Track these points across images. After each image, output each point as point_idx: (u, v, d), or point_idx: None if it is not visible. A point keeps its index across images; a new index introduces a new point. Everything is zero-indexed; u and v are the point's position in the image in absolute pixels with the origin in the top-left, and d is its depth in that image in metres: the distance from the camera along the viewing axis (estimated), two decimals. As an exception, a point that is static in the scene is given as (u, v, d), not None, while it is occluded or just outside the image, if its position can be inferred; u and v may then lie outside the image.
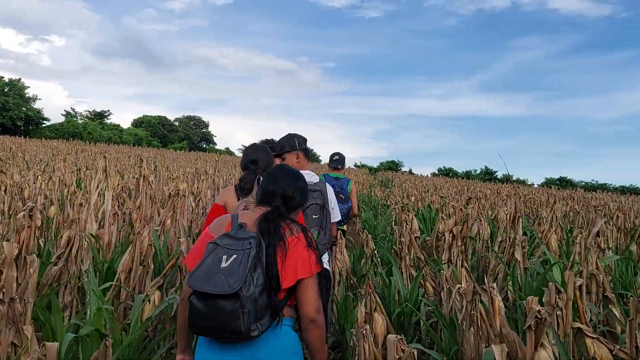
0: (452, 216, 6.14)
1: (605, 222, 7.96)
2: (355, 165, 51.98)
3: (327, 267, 3.73)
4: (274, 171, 2.42)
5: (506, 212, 6.17)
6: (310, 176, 3.70)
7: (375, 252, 5.77)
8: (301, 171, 2.98)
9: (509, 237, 6.10)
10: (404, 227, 6.19)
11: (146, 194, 7.22)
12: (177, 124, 72.68)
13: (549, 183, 46.65)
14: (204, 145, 73.58)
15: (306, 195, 2.40)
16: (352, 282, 5.08)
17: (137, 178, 8.62)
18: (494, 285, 2.49)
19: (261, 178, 3.02)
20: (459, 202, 10.99)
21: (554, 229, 6.12)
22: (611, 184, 47.43)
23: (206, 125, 78.15)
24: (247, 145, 3.57)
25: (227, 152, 69.23)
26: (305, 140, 3.92)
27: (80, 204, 5.45)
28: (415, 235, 6.27)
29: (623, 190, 43.39)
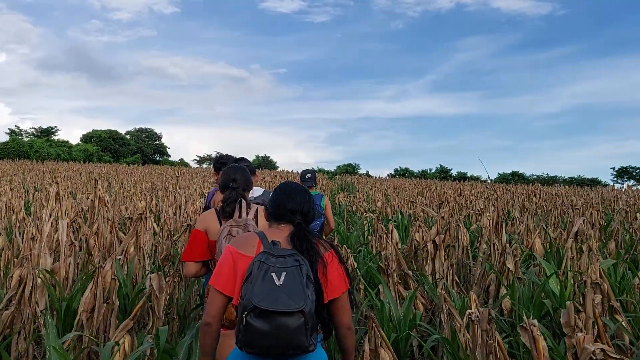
0: (433, 225, 5.86)
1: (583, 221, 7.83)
2: (313, 171, 51.55)
3: None
4: (284, 189, 2.41)
5: (489, 217, 5.93)
6: (252, 192, 3.72)
7: (357, 269, 5.41)
8: None
9: (493, 244, 5.86)
10: (385, 240, 5.87)
11: (104, 217, 6.70)
12: (128, 137, 70.77)
13: (502, 178, 47.58)
14: (158, 158, 71.83)
15: (315, 209, 2.44)
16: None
17: (92, 200, 8.06)
18: (534, 322, 2.17)
19: (243, 201, 3.06)
20: (429, 206, 10.78)
21: (537, 231, 5.91)
22: (561, 176, 48.42)
23: (159, 137, 76.33)
24: (225, 167, 3.48)
25: (182, 163, 67.84)
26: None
27: (32, 238, 4.90)
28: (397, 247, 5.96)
29: (572, 182, 44.38)
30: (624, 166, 49.35)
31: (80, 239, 6.68)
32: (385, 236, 5.86)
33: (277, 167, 59.57)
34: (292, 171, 43.88)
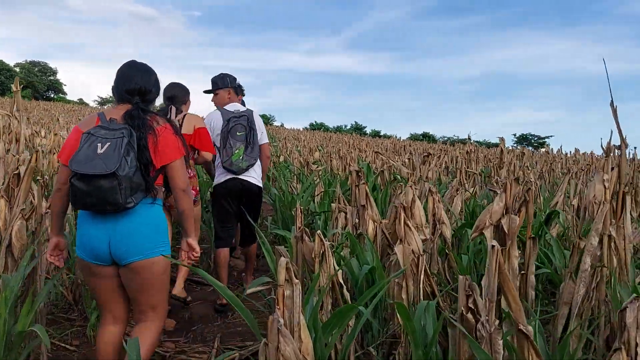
0: (499, 194, 2.78)
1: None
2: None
3: (258, 184, 4.37)
4: (123, 70, 2.56)
5: (607, 184, 2.95)
6: (237, 107, 4.44)
7: (340, 289, 2.22)
8: (229, 105, 4.43)
9: (609, 237, 2.90)
10: (399, 218, 2.73)
11: None
12: (17, 69, 62.82)
13: (413, 138, 47.60)
14: (52, 95, 64.72)
15: (159, 86, 2.63)
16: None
17: None
18: None
19: (173, 107, 3.95)
20: (402, 161, 7.70)
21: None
22: (469, 139, 48.81)
23: (54, 73, 68.72)
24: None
25: (81, 102, 62.03)
26: (235, 79, 4.63)
27: None
28: (423, 238, 2.86)
29: (481, 145, 44.36)
30: (524, 133, 51.47)
31: None
32: (401, 211, 2.72)
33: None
34: (202, 117, 39.80)
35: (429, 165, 6.21)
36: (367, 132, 52.69)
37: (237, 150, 4.17)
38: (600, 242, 2.93)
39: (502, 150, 9.55)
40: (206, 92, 4.68)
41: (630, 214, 3.08)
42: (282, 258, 1.62)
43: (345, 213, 4.36)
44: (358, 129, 53.77)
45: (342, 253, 3.67)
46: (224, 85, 4.49)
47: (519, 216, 2.88)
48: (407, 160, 7.52)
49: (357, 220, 3.94)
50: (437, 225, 3.98)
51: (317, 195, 5.67)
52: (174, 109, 3.85)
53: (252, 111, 4.42)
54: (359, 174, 3.95)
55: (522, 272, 2.91)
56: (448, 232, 4.01)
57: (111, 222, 2.33)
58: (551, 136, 50.56)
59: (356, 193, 3.91)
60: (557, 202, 5.13)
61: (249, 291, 1.74)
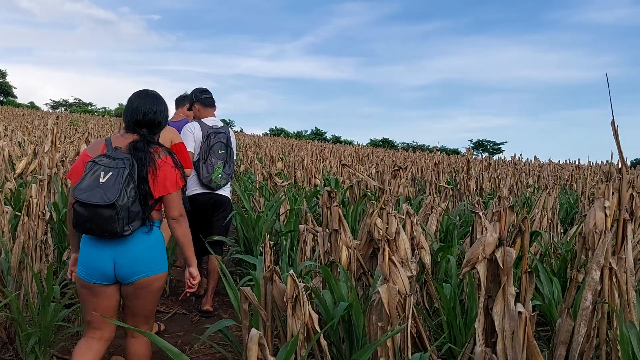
0: (492, 224, 2.46)
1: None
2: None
3: (228, 195, 4.53)
4: (133, 99, 2.64)
5: (608, 211, 2.67)
6: (216, 122, 4.39)
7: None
8: (206, 118, 4.36)
9: (610, 270, 2.61)
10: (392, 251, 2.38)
11: None
12: (-37, 71, 60.29)
13: (373, 144, 47.87)
14: (2, 98, 62.44)
15: (167, 115, 2.71)
16: None
17: None
18: None
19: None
20: (368, 172, 7.37)
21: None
22: (428, 145, 49.55)
23: (3, 75, 66.25)
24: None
25: (32, 106, 60.05)
26: (203, 91, 4.45)
27: None
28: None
29: (442, 152, 45.02)
30: (480, 139, 52.88)
31: None
32: (385, 245, 2.38)
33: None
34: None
35: (400, 180, 5.91)
36: (328, 137, 52.17)
37: (217, 168, 4.26)
38: (601, 275, 2.66)
39: (468, 161, 9.37)
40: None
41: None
42: (254, 330, 1.24)
43: (314, 234, 4.02)
44: (319, 134, 53.37)
45: (312, 282, 3.33)
46: (189, 101, 4.53)
47: (514, 248, 2.58)
48: (374, 172, 7.21)
49: (329, 245, 3.59)
50: (416, 250, 3.69)
51: (283, 213, 5.28)
52: None
53: (228, 127, 4.44)
54: (331, 195, 3.59)
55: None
56: (427, 258, 3.74)
57: (115, 245, 2.44)
58: (506, 142, 51.99)
59: (327, 216, 3.56)
60: (535, 220, 4.90)
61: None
